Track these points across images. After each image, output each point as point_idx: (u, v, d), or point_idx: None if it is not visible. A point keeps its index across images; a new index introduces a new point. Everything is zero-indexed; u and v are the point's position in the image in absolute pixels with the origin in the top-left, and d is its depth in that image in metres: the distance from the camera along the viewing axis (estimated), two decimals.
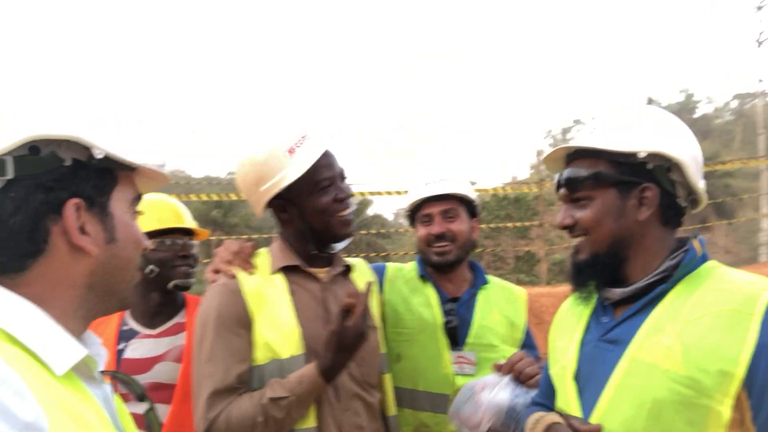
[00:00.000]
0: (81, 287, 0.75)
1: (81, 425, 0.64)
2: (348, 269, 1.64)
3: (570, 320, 1.31)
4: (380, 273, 1.93)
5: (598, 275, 1.18)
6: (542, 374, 1.43)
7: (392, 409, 1.67)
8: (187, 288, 1.87)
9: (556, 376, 1.26)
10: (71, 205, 0.72)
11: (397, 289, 1.90)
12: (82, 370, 0.74)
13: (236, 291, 1.41)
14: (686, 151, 1.13)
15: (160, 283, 1.84)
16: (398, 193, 8.25)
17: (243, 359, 1.36)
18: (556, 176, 1.23)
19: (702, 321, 1.02)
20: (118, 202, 0.79)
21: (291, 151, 1.43)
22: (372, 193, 8.50)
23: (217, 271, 1.47)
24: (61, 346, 0.69)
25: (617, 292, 1.16)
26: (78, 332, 0.76)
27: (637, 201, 1.13)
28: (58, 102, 0.76)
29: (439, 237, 1.83)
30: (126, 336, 1.80)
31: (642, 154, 1.10)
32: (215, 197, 8.40)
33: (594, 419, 1.08)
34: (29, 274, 0.71)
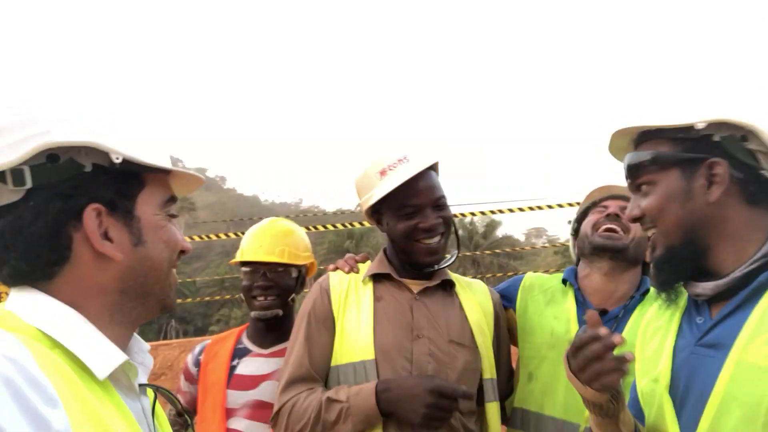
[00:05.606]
0: (113, 292, 0.74)
1: None
2: (451, 285, 1.60)
3: (658, 324, 1.15)
4: (515, 285, 1.78)
5: (677, 271, 1.03)
6: (631, 392, 1.21)
7: None
8: (266, 319, 1.86)
9: (646, 391, 1.10)
10: (90, 211, 0.71)
11: (533, 299, 1.71)
12: (122, 380, 0.73)
13: (326, 291, 1.56)
14: (759, 113, 0.99)
15: (250, 309, 1.90)
16: (530, 209, 7.79)
17: (315, 354, 1.48)
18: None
19: None
20: (146, 205, 0.77)
21: (383, 173, 1.53)
22: (493, 212, 8.19)
23: (335, 269, 1.66)
24: (101, 350, 0.69)
25: (708, 287, 1.00)
26: (120, 338, 0.75)
27: (705, 180, 0.99)
28: (88, 102, 0.75)
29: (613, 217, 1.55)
30: (240, 353, 1.90)
31: (700, 125, 0.96)
32: (340, 227, 8.77)
33: None
34: (57, 281, 0.70)
